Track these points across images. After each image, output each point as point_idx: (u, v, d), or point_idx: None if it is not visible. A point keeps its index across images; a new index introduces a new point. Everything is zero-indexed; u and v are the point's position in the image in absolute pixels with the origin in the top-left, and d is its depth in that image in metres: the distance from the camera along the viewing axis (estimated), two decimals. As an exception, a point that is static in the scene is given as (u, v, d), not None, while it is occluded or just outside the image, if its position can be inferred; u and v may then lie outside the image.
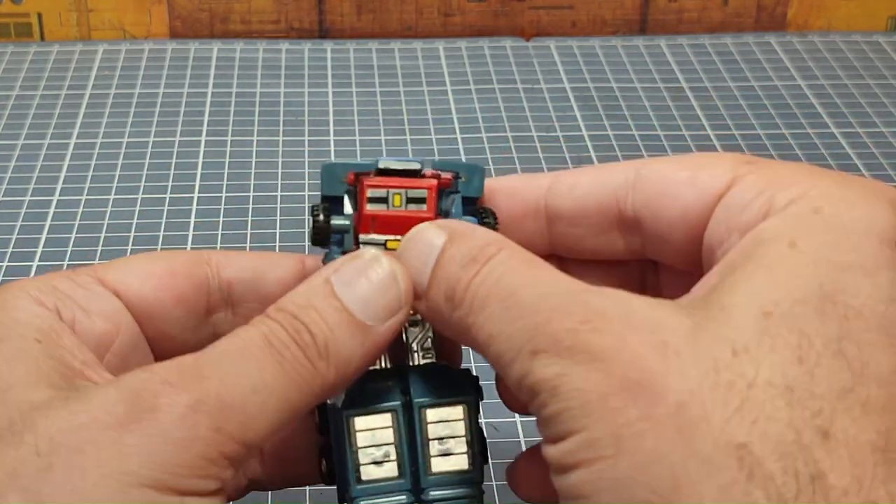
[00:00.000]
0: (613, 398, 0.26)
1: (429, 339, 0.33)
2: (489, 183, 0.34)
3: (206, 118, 0.69)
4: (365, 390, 0.32)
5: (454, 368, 0.34)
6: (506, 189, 0.35)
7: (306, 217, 0.60)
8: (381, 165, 0.33)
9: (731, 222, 0.30)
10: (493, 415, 0.45)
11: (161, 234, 0.58)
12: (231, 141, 0.67)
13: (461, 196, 0.34)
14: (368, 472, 0.32)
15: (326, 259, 0.33)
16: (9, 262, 0.56)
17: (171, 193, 0.62)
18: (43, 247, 0.57)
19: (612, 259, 0.35)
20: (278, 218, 0.60)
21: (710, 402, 0.25)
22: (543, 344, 0.27)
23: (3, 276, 0.55)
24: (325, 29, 0.81)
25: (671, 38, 0.81)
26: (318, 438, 0.33)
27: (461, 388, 0.32)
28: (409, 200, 0.33)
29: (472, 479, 0.32)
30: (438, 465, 0.32)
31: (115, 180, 0.63)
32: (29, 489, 0.26)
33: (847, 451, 0.25)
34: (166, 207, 0.61)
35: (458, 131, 0.69)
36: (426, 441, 0.32)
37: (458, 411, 0.32)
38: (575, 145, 0.67)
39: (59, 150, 0.66)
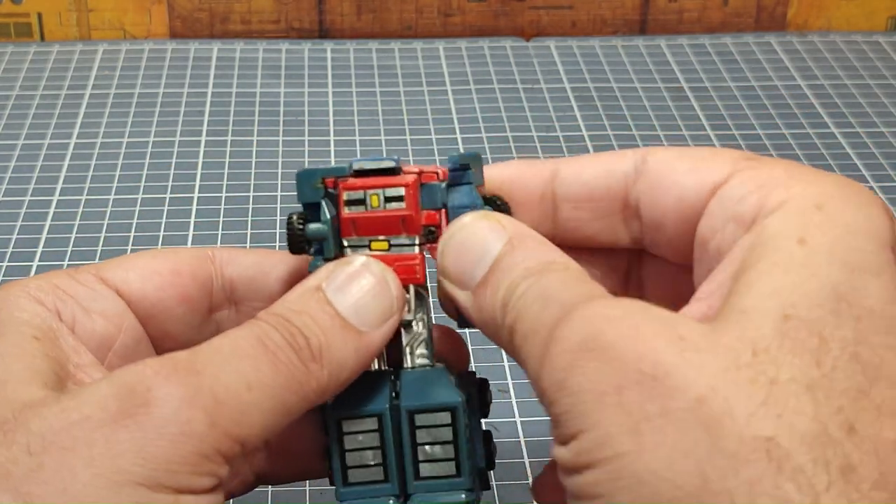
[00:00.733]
0: (628, 392, 0.26)
1: (423, 342, 0.33)
2: (489, 171, 0.34)
3: (206, 118, 0.69)
4: (356, 392, 0.32)
5: (453, 371, 0.33)
6: (509, 176, 0.35)
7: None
8: (356, 167, 0.32)
9: (726, 213, 0.30)
10: (493, 415, 0.45)
11: (161, 234, 0.58)
12: (231, 141, 0.67)
13: (473, 186, 0.33)
14: (355, 475, 0.32)
15: (311, 267, 0.33)
16: (9, 262, 0.56)
17: (171, 193, 0.62)
18: (43, 247, 0.57)
19: (608, 246, 0.35)
20: (278, 218, 0.60)
21: (733, 396, 0.25)
22: (560, 334, 0.27)
23: (3, 276, 0.55)
24: (325, 29, 0.81)
25: (671, 38, 0.81)
26: (324, 437, 0.33)
27: (451, 393, 0.32)
28: (388, 199, 0.32)
29: (459, 484, 0.32)
30: (426, 470, 0.32)
31: (115, 180, 0.63)
32: (19, 489, 0.26)
33: (873, 446, 0.24)
34: (166, 207, 0.61)
35: (458, 131, 0.69)
36: (414, 446, 0.32)
37: (445, 417, 0.32)
38: (575, 145, 0.67)
39: (59, 150, 0.66)
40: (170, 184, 0.63)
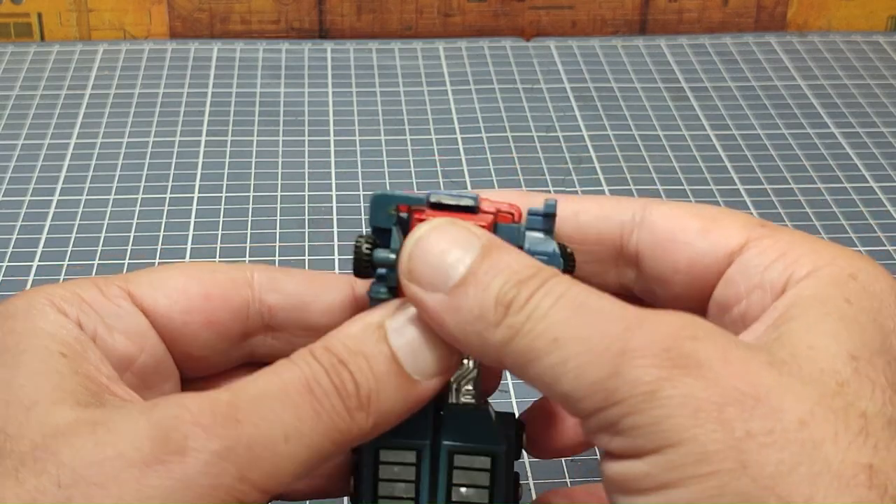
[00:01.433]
0: (729, 409, 0.25)
1: (472, 380, 0.32)
2: (490, 195, 0.33)
3: (206, 118, 0.69)
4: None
5: (495, 412, 0.32)
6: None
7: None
8: (434, 199, 0.31)
9: (751, 281, 0.30)
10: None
11: (161, 234, 0.58)
12: (231, 141, 0.67)
13: (552, 235, 0.32)
14: None
15: (372, 293, 0.31)
16: (9, 262, 0.56)
17: (171, 193, 0.62)
18: (43, 247, 0.57)
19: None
20: (278, 218, 0.60)
21: (832, 423, 0.25)
22: (637, 344, 0.26)
23: (3, 276, 0.55)
24: (325, 29, 0.81)
25: (671, 38, 0.81)
26: (351, 455, 0.33)
27: (494, 438, 0.31)
28: None
29: None
30: None
31: (115, 180, 0.63)
32: None
33: None
34: (166, 207, 0.61)
35: (458, 131, 0.69)
36: (449, 485, 0.31)
37: (485, 462, 0.31)
38: (575, 145, 0.67)
39: (59, 150, 0.66)
40: (170, 184, 0.63)
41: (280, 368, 0.28)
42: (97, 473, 0.26)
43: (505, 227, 0.31)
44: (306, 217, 0.60)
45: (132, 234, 0.58)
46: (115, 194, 0.62)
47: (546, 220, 0.32)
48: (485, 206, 0.31)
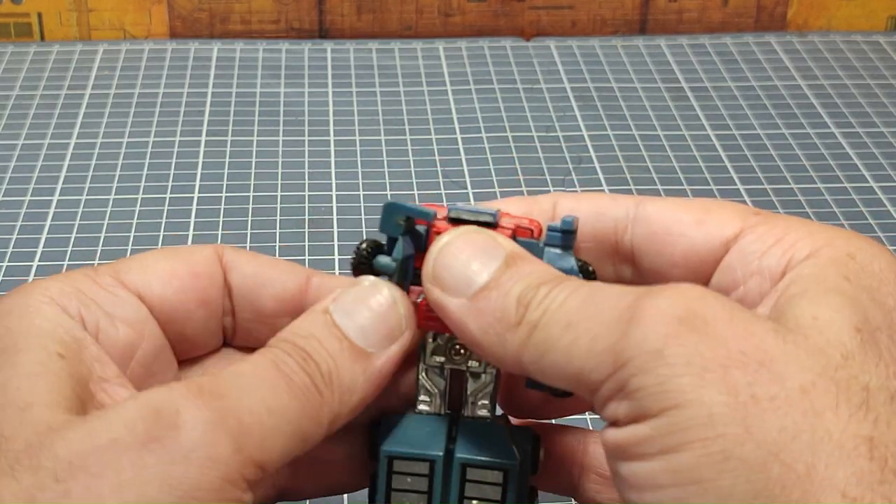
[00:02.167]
0: (734, 372, 0.25)
1: (488, 395, 0.32)
2: (495, 205, 0.33)
3: (206, 118, 0.69)
4: (412, 430, 0.32)
5: (510, 427, 0.33)
6: (515, 212, 0.34)
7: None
8: (453, 214, 0.31)
9: (748, 267, 0.31)
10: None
11: (161, 234, 0.58)
12: (231, 141, 0.67)
13: (572, 251, 0.32)
14: None
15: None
16: (9, 262, 0.56)
17: (171, 193, 0.62)
18: (43, 247, 0.57)
19: None
20: (278, 218, 0.60)
21: (834, 393, 0.25)
22: (645, 310, 0.26)
23: (3, 276, 0.55)
24: (325, 29, 0.81)
25: (671, 38, 0.81)
26: (372, 463, 0.33)
27: (508, 452, 0.31)
28: None
29: None
30: None
31: (115, 180, 0.63)
32: None
33: None
34: (166, 207, 0.61)
35: (458, 131, 0.69)
36: (461, 498, 0.31)
37: (497, 475, 0.31)
38: (575, 145, 0.67)
39: (59, 150, 0.66)
40: (170, 184, 0.63)
41: (250, 357, 0.29)
42: (93, 462, 0.26)
43: (524, 242, 0.31)
44: (306, 217, 0.60)
45: (132, 234, 0.58)
46: (115, 194, 0.62)
47: (565, 236, 0.32)
48: (504, 221, 0.32)
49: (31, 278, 0.55)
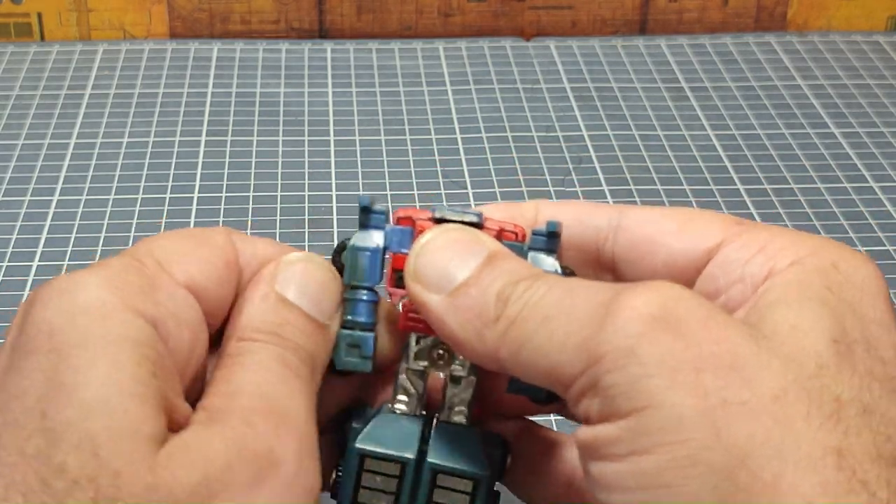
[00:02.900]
0: (705, 375, 0.25)
1: (465, 402, 0.32)
2: (483, 210, 0.33)
3: (206, 118, 0.69)
4: (385, 429, 0.32)
5: (485, 433, 0.32)
6: (500, 217, 0.34)
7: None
8: (438, 214, 0.31)
9: (731, 276, 0.30)
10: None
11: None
12: (231, 141, 0.67)
13: (556, 256, 0.32)
14: None
15: (347, 306, 0.32)
16: (9, 262, 0.56)
17: (171, 193, 0.62)
18: (43, 247, 0.57)
19: None
20: (278, 218, 0.60)
21: (805, 402, 0.25)
22: (621, 305, 0.26)
23: (3, 276, 0.55)
24: (325, 29, 0.81)
25: (671, 38, 0.81)
26: (337, 456, 0.33)
27: (480, 462, 0.31)
28: None
29: None
30: None
31: (115, 180, 0.63)
32: None
33: None
34: (166, 207, 0.61)
35: (458, 131, 0.69)
36: (428, 502, 0.31)
37: (467, 485, 0.31)
38: (575, 145, 0.67)
39: (59, 150, 0.66)
40: (170, 184, 0.63)
41: (256, 360, 0.29)
42: None
43: (509, 245, 0.31)
44: (306, 217, 0.60)
45: (132, 234, 0.58)
46: (115, 194, 0.62)
47: (549, 239, 0.32)
48: (488, 224, 0.32)
49: (30, 278, 0.55)
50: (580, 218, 0.34)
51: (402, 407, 0.32)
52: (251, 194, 0.62)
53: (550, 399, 0.32)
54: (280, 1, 0.80)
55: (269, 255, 0.33)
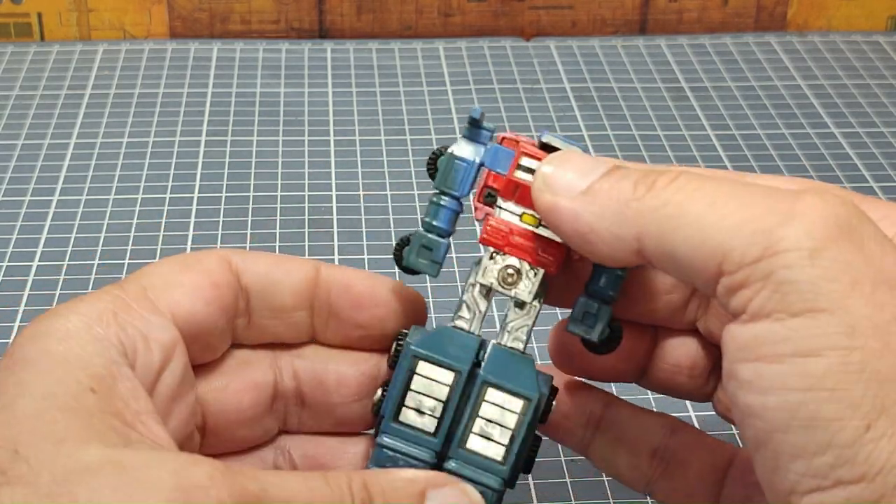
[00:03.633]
0: (882, 289, 0.25)
1: (526, 329, 0.33)
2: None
3: (206, 118, 0.69)
4: (441, 341, 0.32)
5: (538, 371, 0.33)
6: None
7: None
8: (545, 140, 0.33)
9: None
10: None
11: (161, 234, 0.58)
12: (231, 141, 0.67)
13: None
14: (407, 416, 0.32)
15: (431, 209, 0.33)
16: (9, 262, 0.56)
17: (171, 193, 0.62)
18: (43, 247, 0.57)
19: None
20: (278, 218, 0.60)
21: None
22: (807, 208, 0.26)
23: (3, 276, 0.55)
24: (325, 29, 0.81)
25: (671, 38, 0.81)
26: (388, 372, 0.33)
27: (532, 386, 0.32)
28: None
29: (498, 471, 0.32)
30: (474, 443, 0.32)
31: (115, 180, 0.63)
32: None
33: None
34: (166, 207, 0.61)
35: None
36: (474, 416, 0.32)
37: (517, 404, 0.32)
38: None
39: (59, 150, 0.66)
40: (170, 184, 0.63)
41: (312, 481, 0.28)
42: None
43: None
44: (306, 217, 0.60)
45: (132, 234, 0.58)
46: (115, 194, 0.62)
47: None
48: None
49: (30, 278, 0.55)
50: None
51: (463, 324, 0.33)
52: (251, 194, 0.62)
53: (604, 345, 0.34)
54: (280, 1, 0.80)
55: (272, 272, 0.34)
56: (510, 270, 0.33)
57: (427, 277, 0.34)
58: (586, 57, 0.78)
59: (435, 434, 0.32)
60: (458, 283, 0.55)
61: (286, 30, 0.80)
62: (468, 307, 0.33)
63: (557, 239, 0.32)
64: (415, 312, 0.35)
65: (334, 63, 0.77)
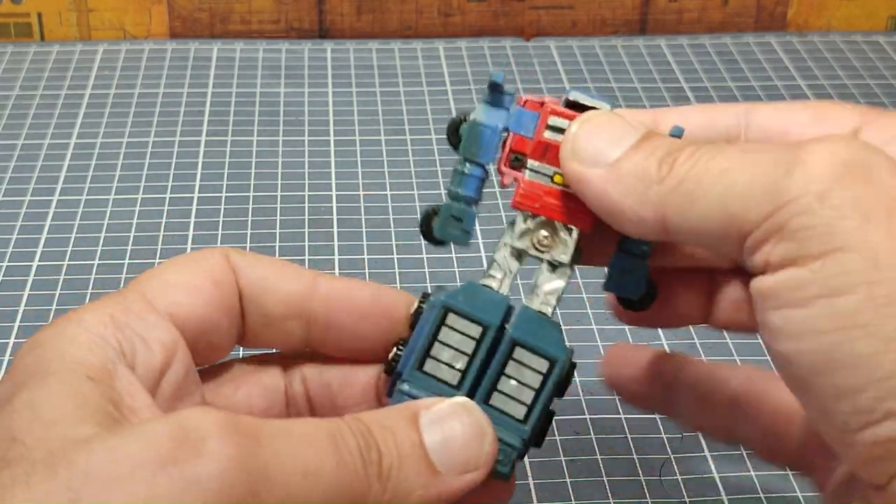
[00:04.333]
0: None
1: (557, 294, 0.33)
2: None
3: (206, 118, 0.69)
4: (471, 296, 0.32)
5: (561, 336, 0.33)
6: None
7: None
8: (572, 97, 0.32)
9: None
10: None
11: (161, 234, 0.58)
12: (231, 141, 0.67)
13: None
14: (431, 366, 0.32)
15: (456, 178, 0.33)
16: (9, 262, 0.56)
17: (171, 193, 0.62)
18: (43, 247, 0.57)
19: None
20: (278, 218, 0.60)
21: None
22: (810, 154, 0.26)
23: (3, 276, 0.55)
24: (325, 29, 0.81)
25: (671, 38, 0.81)
26: (406, 331, 0.33)
27: (559, 348, 0.32)
28: None
29: (519, 430, 0.32)
30: (497, 400, 0.32)
31: (115, 180, 0.63)
32: None
33: None
34: (166, 207, 0.61)
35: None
36: (499, 373, 0.32)
37: (543, 364, 0.32)
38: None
39: (59, 150, 0.66)
40: (170, 184, 0.63)
41: (306, 419, 0.28)
42: (108, 475, 0.25)
43: None
44: (306, 217, 0.60)
45: (132, 234, 0.58)
46: (115, 194, 0.62)
47: None
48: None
49: (30, 278, 0.55)
50: (708, 120, 0.34)
51: (492, 283, 0.33)
52: (251, 194, 0.62)
53: (641, 302, 0.34)
54: (280, 1, 0.80)
55: (269, 277, 0.33)
56: (544, 233, 0.33)
57: (452, 249, 0.33)
58: (586, 57, 0.78)
59: (458, 387, 0.32)
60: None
61: (286, 30, 0.80)
62: (499, 266, 0.33)
63: None
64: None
65: (334, 63, 0.77)
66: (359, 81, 0.74)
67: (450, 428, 0.29)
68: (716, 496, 0.43)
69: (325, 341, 0.34)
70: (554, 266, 0.33)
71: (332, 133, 0.68)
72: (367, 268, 0.56)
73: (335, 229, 0.59)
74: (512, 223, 0.33)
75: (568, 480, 0.44)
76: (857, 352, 0.25)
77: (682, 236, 0.29)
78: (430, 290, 0.34)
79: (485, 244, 0.57)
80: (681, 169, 0.28)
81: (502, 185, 0.33)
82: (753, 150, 0.28)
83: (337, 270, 0.56)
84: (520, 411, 0.32)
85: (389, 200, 0.62)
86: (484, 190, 0.34)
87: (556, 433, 0.46)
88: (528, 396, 0.32)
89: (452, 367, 0.32)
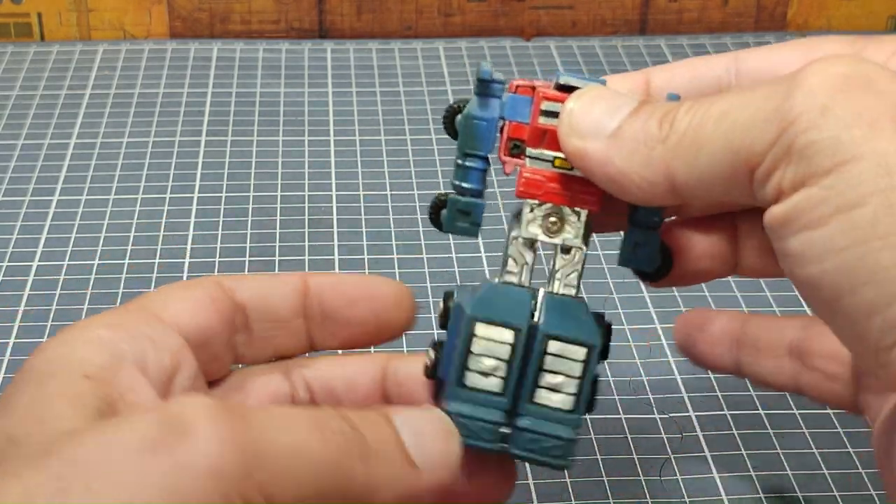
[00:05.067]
0: None
1: (576, 273, 0.33)
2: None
3: (206, 118, 0.69)
4: (494, 300, 0.32)
5: (589, 310, 0.33)
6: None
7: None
8: (563, 81, 0.32)
9: None
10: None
11: (161, 234, 0.58)
12: (231, 141, 0.67)
13: None
14: (472, 379, 0.32)
15: (459, 172, 0.33)
16: (9, 262, 0.56)
17: (171, 193, 0.62)
18: (43, 247, 0.57)
19: None
20: (278, 218, 0.60)
21: None
22: (808, 72, 0.26)
23: (3, 276, 0.55)
24: (325, 29, 0.81)
25: (671, 38, 0.81)
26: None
27: (592, 331, 0.32)
28: None
29: (570, 421, 0.32)
30: (542, 397, 0.32)
31: (115, 180, 0.63)
32: None
33: None
34: (166, 207, 0.61)
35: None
36: (539, 370, 0.31)
37: (580, 352, 0.31)
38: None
39: (59, 150, 0.66)
40: (170, 184, 0.63)
41: (289, 406, 0.29)
42: (97, 462, 0.25)
43: None
44: (306, 217, 0.60)
45: (132, 234, 0.58)
46: (115, 194, 0.62)
47: None
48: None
49: (30, 278, 0.55)
50: (696, 74, 0.34)
51: (511, 279, 0.33)
52: (251, 194, 0.62)
53: (657, 273, 0.34)
54: (280, 1, 0.80)
55: (263, 285, 0.34)
56: (552, 219, 0.33)
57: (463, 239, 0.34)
58: (586, 57, 0.78)
59: (503, 394, 0.31)
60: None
61: (286, 30, 0.80)
62: (515, 261, 0.33)
63: None
64: (406, 303, 0.35)
65: (334, 63, 0.77)
66: (359, 81, 0.74)
67: (420, 428, 0.30)
68: (716, 496, 0.43)
69: (324, 334, 0.35)
70: (567, 249, 0.33)
71: (332, 133, 0.68)
72: (367, 268, 0.56)
73: (335, 229, 0.59)
74: (517, 215, 0.33)
75: (568, 480, 0.44)
76: (882, 264, 0.24)
77: (691, 191, 0.28)
78: (448, 289, 0.33)
79: (485, 242, 0.57)
80: (681, 123, 0.28)
81: (505, 174, 0.33)
82: (751, 88, 0.28)
83: (337, 270, 0.56)
84: (567, 402, 0.32)
85: (389, 200, 0.62)
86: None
87: (556, 433, 0.46)
88: (572, 386, 0.32)
89: (493, 376, 0.32)
